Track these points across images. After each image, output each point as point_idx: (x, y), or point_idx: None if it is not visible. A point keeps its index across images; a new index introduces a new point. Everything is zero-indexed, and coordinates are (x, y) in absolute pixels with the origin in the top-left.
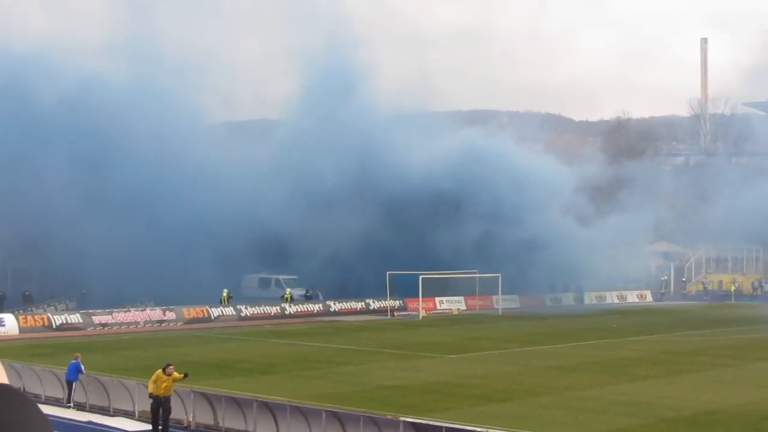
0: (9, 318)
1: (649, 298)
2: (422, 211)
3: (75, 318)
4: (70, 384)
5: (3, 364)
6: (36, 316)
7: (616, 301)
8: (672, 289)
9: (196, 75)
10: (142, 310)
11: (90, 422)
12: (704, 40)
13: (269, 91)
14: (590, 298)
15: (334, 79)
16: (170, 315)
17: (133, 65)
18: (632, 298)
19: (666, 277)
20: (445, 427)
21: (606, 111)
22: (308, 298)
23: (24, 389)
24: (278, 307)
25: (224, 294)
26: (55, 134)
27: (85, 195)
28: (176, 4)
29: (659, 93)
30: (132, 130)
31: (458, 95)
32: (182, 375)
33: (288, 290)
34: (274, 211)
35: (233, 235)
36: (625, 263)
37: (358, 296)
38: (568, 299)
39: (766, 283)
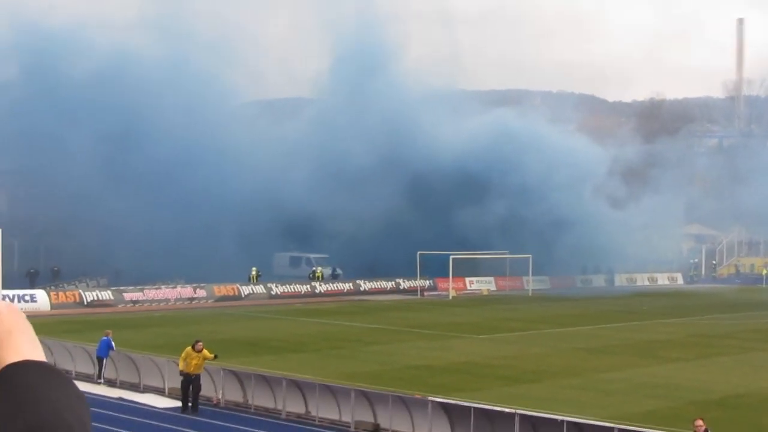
0: (41, 294)
1: (680, 280)
2: (451, 191)
3: (106, 295)
4: (100, 360)
5: None
6: (67, 293)
7: (647, 283)
8: (703, 272)
9: (226, 52)
10: (173, 288)
11: (120, 398)
12: (740, 21)
13: (299, 69)
14: (621, 280)
15: (364, 56)
16: (201, 293)
17: (163, 41)
18: (663, 280)
19: (696, 260)
20: (474, 408)
21: (640, 92)
22: (335, 276)
23: (55, 365)
24: (308, 286)
25: (253, 272)
26: (85, 111)
27: (114, 172)
28: None
29: (694, 74)
30: (161, 107)
31: (490, 75)
32: (213, 356)
33: (318, 268)
34: (302, 190)
35: (260, 213)
36: (656, 245)
37: (387, 275)
38: (598, 281)
39: None
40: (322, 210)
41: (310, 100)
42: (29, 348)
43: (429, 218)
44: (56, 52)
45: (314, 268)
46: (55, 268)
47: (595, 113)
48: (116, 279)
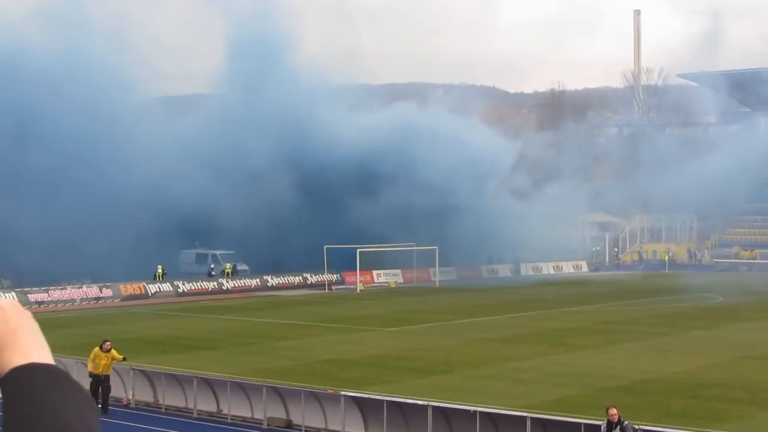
0: None
1: (585, 268)
2: (353, 186)
3: (10, 296)
4: None
5: None
6: None
7: (552, 272)
8: (606, 260)
9: (122, 46)
10: (79, 288)
11: None
12: (638, 12)
13: (195, 64)
14: (526, 270)
15: (260, 50)
16: (107, 292)
17: (57, 34)
18: (568, 268)
19: (598, 248)
20: (387, 401)
21: (541, 83)
22: (236, 272)
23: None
24: (215, 283)
25: (159, 270)
26: None
27: (9, 170)
28: None
29: (594, 65)
30: (55, 103)
31: (391, 69)
32: (122, 357)
33: (228, 264)
34: (201, 186)
35: (160, 210)
36: (560, 234)
37: (294, 270)
38: (504, 271)
39: (699, 252)
40: (222, 206)
41: (206, 96)
42: (36, 349)
43: (331, 213)
44: None
45: (224, 265)
46: None
47: (497, 105)
48: (19, 280)
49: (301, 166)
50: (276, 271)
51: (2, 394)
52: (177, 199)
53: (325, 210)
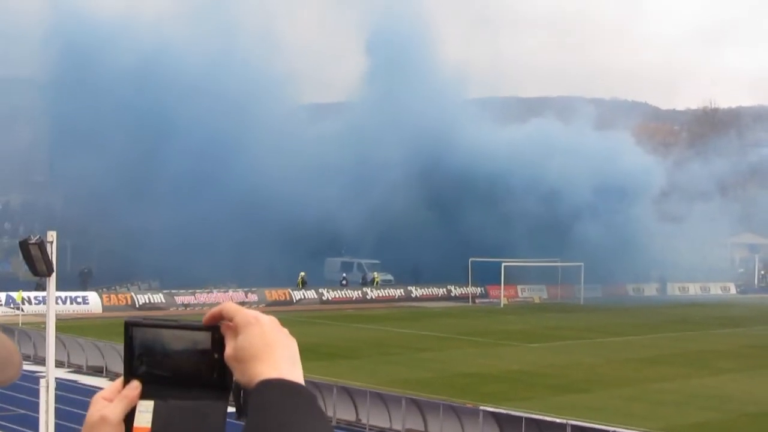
0: (93, 296)
1: (733, 290)
2: (493, 199)
3: (158, 298)
4: None
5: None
6: (119, 295)
7: (699, 292)
8: (756, 282)
9: (266, 48)
10: (225, 292)
11: None
12: None
13: (335, 71)
14: (673, 289)
15: (399, 58)
16: (252, 297)
17: (199, 35)
18: (716, 290)
19: (742, 270)
20: (525, 417)
21: (693, 99)
22: (365, 282)
23: (106, 368)
24: (360, 292)
25: (300, 276)
26: (123, 108)
27: (151, 171)
28: None
29: (748, 80)
30: (196, 105)
31: (540, 81)
32: None
33: (375, 274)
34: (342, 196)
35: (304, 217)
36: (708, 254)
37: (438, 282)
38: (650, 290)
39: None
40: (356, 215)
41: (344, 104)
42: (288, 366)
43: (468, 225)
44: (95, 46)
45: (372, 274)
46: (85, 270)
47: (648, 121)
48: (164, 282)
49: (438, 177)
50: (417, 282)
51: (249, 404)
52: (311, 207)
53: (461, 222)
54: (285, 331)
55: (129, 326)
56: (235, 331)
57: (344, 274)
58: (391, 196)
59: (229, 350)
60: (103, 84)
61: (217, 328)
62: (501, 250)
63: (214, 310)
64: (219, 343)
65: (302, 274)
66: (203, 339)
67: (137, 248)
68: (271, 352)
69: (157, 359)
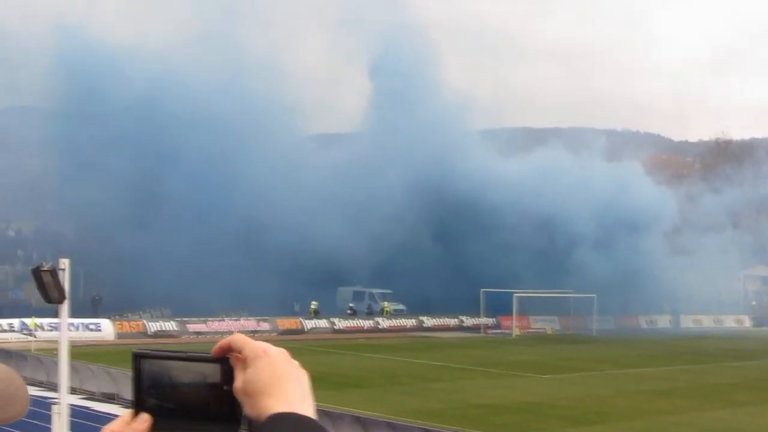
0: (105, 323)
1: (747, 323)
2: (511, 229)
3: (170, 325)
4: None
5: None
6: (132, 323)
7: (713, 325)
8: None
9: (270, 79)
10: (236, 320)
11: None
12: None
13: (337, 102)
14: (686, 322)
15: (403, 90)
16: (264, 326)
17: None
18: (729, 322)
19: (755, 302)
20: None
21: (705, 130)
22: (370, 313)
23: (118, 395)
24: (372, 321)
25: (313, 306)
26: (129, 136)
27: (156, 199)
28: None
29: (758, 111)
30: (206, 134)
31: (553, 113)
32: None
33: (386, 303)
34: (345, 225)
35: (304, 247)
36: (721, 287)
37: (449, 312)
38: (663, 322)
39: None
40: (363, 245)
41: (348, 135)
42: (298, 400)
43: (482, 257)
44: (101, 74)
45: (382, 304)
46: (96, 296)
47: (660, 152)
48: (175, 310)
49: (443, 207)
50: (428, 312)
51: None
52: (315, 237)
53: (466, 252)
54: (295, 363)
55: (137, 358)
56: (245, 363)
57: (350, 304)
58: (395, 225)
59: (238, 383)
60: (110, 112)
61: (226, 360)
62: (507, 280)
63: (223, 341)
64: (229, 375)
65: (314, 303)
66: (212, 371)
67: (143, 275)
68: (281, 386)
69: (166, 391)
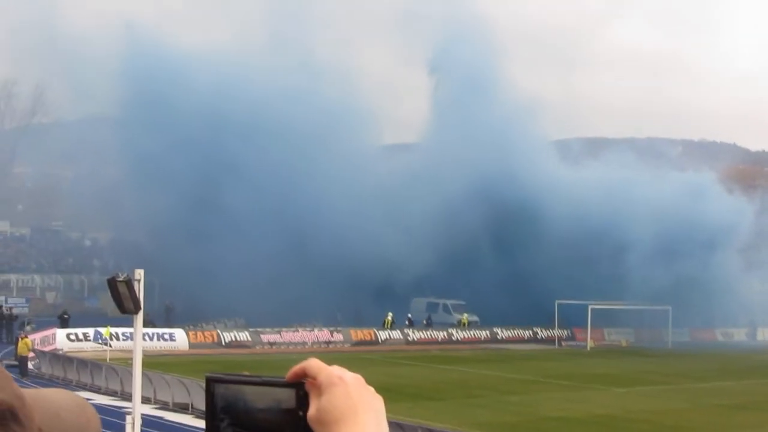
0: (179, 333)
1: None
2: (585, 240)
3: (244, 336)
4: None
5: (172, 378)
6: (206, 333)
7: None
8: None
9: (335, 87)
10: (310, 331)
11: None
12: None
13: (401, 110)
14: (763, 335)
15: (467, 95)
16: (338, 336)
17: (261, 72)
18: None
19: None
20: None
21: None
22: (410, 323)
23: (192, 405)
24: (445, 333)
25: (389, 317)
26: (195, 143)
27: (214, 208)
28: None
29: None
30: (261, 146)
31: (626, 120)
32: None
33: (465, 315)
34: (410, 235)
35: (365, 256)
36: None
37: (523, 324)
38: (740, 335)
39: None
40: (431, 257)
41: (411, 145)
42: (373, 429)
43: (554, 269)
44: (170, 80)
45: (462, 316)
46: (168, 305)
47: (737, 163)
48: (250, 321)
49: (509, 216)
50: (502, 323)
51: None
52: (379, 247)
53: (531, 263)
54: (371, 389)
55: (210, 382)
56: (320, 390)
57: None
58: (457, 235)
59: (312, 411)
60: (177, 119)
61: (301, 385)
62: (571, 292)
63: (298, 367)
64: (303, 400)
65: (390, 314)
66: (287, 396)
67: (211, 284)
68: (355, 416)
69: (240, 416)
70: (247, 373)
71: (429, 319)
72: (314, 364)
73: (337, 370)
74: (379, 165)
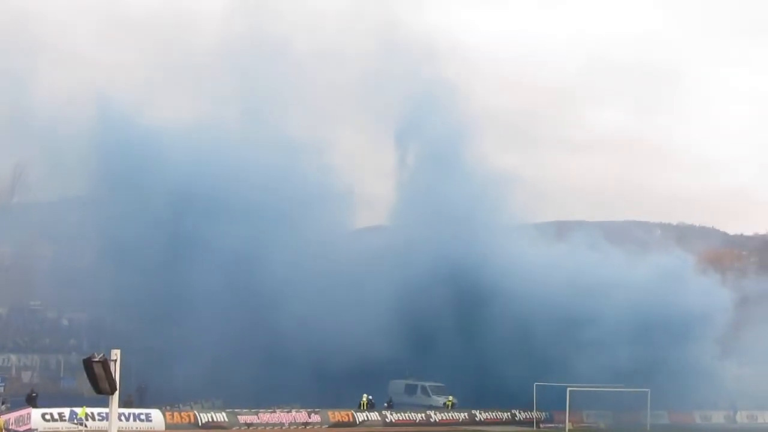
0: (156, 414)
1: None
2: (554, 327)
3: (221, 416)
4: None
5: None
6: (183, 413)
7: None
8: None
9: (307, 167)
10: (288, 412)
11: None
12: None
13: (373, 190)
14: (742, 417)
15: (436, 173)
16: (315, 418)
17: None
18: None
19: None
20: None
21: (761, 224)
22: (390, 405)
23: None
24: (423, 414)
25: (364, 399)
26: (158, 223)
27: (181, 291)
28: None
29: None
30: (222, 222)
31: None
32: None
33: (450, 397)
34: (380, 318)
35: (337, 341)
36: None
37: (501, 406)
38: (718, 417)
39: None
40: (401, 338)
41: (381, 226)
42: None
43: (531, 353)
44: (141, 156)
45: (445, 398)
46: (142, 386)
47: (714, 246)
48: (227, 400)
49: (477, 298)
50: (479, 406)
51: None
52: (349, 331)
53: (527, 349)
54: None
55: None
56: None
57: (370, 396)
58: (429, 319)
59: None
60: (147, 198)
61: None
62: (560, 374)
63: None
64: None
65: (366, 396)
66: None
67: (184, 366)
68: None
69: None
70: None
71: (390, 401)
72: None
73: None
74: (347, 246)
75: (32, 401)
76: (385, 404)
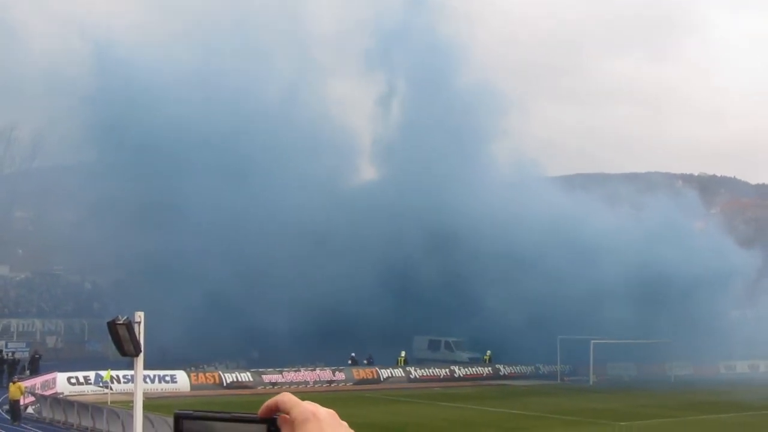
0: (181, 375)
1: None
2: (585, 280)
3: (245, 376)
4: None
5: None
6: (207, 374)
7: None
8: None
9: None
10: (312, 370)
11: None
12: None
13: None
14: (766, 367)
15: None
16: (340, 376)
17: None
18: None
19: None
20: None
21: None
22: (370, 363)
23: None
24: (447, 370)
25: (402, 355)
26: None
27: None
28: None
29: None
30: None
31: (629, 157)
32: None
33: (488, 352)
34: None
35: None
36: None
37: (526, 361)
38: (743, 367)
39: None
40: (448, 295)
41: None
42: None
43: (566, 306)
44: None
45: (486, 354)
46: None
47: (737, 196)
48: (251, 362)
49: (530, 259)
50: (505, 360)
51: None
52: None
53: (557, 303)
54: (344, 425)
55: (179, 419)
56: (292, 425)
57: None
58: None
59: None
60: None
61: (273, 421)
62: (585, 327)
63: (271, 401)
64: None
65: (403, 353)
66: None
67: (210, 327)
68: None
69: None
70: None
71: (370, 357)
72: (287, 399)
73: (310, 406)
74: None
75: (34, 363)
76: (365, 361)
